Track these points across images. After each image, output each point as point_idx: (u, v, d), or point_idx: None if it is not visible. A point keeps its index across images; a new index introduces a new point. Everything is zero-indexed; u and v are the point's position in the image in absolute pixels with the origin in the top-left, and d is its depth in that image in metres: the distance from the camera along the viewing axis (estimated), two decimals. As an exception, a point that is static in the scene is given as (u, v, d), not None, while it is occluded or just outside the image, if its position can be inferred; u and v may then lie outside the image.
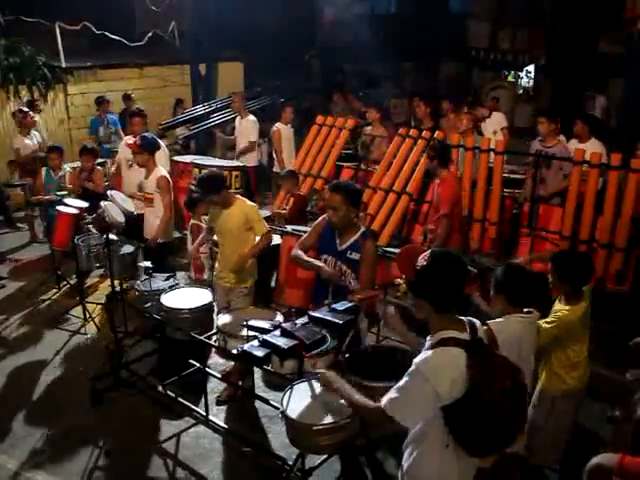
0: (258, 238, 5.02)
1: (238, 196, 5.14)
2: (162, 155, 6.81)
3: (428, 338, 2.53)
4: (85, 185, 7.46)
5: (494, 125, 8.52)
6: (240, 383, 5.08)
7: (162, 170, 6.09)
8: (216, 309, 4.77)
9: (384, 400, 2.44)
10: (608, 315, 4.28)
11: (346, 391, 2.69)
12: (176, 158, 8.83)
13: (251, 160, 9.22)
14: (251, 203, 5.09)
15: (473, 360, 2.37)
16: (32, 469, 4.35)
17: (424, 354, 2.44)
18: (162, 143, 6.94)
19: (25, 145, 8.80)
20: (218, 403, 5.05)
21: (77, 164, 7.98)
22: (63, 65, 11.30)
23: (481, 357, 2.40)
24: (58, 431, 4.75)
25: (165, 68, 13.04)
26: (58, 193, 7.03)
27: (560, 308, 3.85)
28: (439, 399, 2.36)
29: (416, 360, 2.43)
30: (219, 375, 5.11)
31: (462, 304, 2.61)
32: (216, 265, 5.33)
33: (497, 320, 3.60)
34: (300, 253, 4.29)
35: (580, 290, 3.84)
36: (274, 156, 9.09)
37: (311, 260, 4.25)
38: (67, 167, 7.76)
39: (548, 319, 3.82)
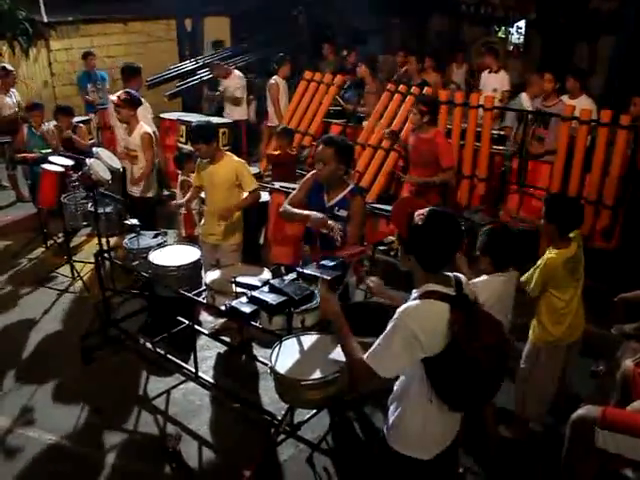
0: (246, 194, 4.99)
1: (227, 152, 5.09)
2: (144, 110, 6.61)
3: (413, 291, 2.53)
4: (71, 137, 7.33)
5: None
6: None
7: (145, 126, 5.99)
8: (204, 267, 4.75)
9: (367, 353, 2.43)
10: (594, 272, 4.35)
11: (345, 331, 2.61)
12: (163, 115, 8.71)
13: (239, 114, 9.10)
14: (239, 159, 5.04)
15: (457, 315, 2.35)
16: (24, 426, 4.38)
17: (408, 304, 2.43)
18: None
19: (4, 104, 8.58)
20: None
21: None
22: (45, 20, 10.99)
23: (465, 312, 2.38)
24: (49, 389, 4.77)
25: (150, 23, 12.70)
26: (43, 151, 6.91)
27: (547, 254, 3.89)
28: (420, 348, 2.35)
29: (399, 309, 2.41)
30: (208, 332, 5.15)
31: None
32: (201, 222, 5.31)
33: (480, 279, 3.65)
34: (288, 207, 4.28)
35: (567, 235, 3.87)
36: (268, 110, 8.94)
37: (299, 211, 4.23)
38: (47, 124, 7.61)
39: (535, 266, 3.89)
